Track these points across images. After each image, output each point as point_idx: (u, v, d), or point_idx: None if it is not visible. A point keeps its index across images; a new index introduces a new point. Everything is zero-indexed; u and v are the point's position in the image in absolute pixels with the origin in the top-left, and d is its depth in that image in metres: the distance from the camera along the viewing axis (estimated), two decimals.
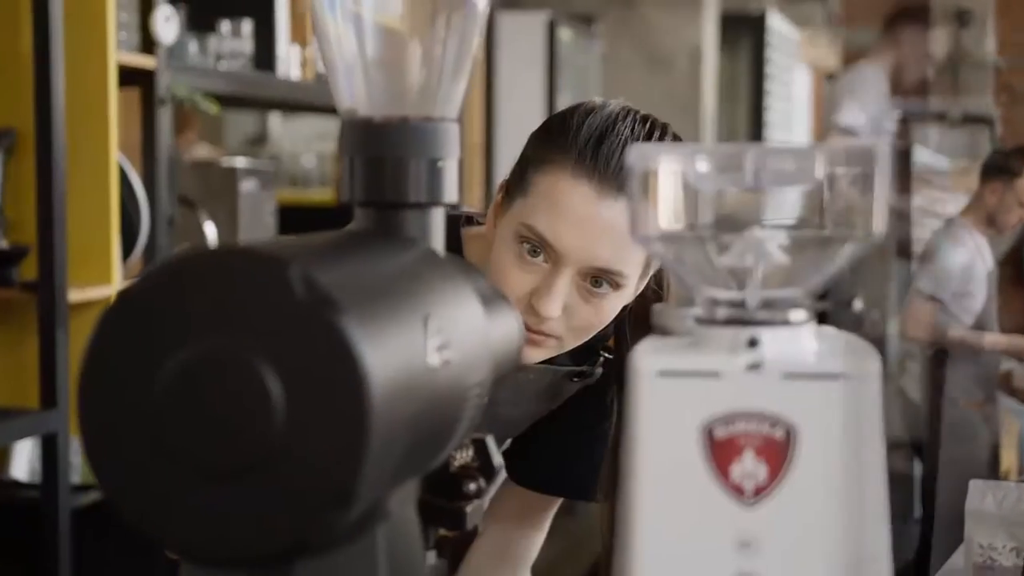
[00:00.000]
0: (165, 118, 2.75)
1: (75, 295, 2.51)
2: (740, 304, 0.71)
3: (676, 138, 1.35)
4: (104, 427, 0.63)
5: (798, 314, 0.70)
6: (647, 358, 0.69)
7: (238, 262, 0.62)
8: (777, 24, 7.95)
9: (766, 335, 0.69)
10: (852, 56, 10.10)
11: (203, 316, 0.61)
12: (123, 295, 0.63)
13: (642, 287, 1.36)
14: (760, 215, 0.72)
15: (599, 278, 1.29)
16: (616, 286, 1.29)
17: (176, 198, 2.99)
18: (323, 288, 0.61)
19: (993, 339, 4.19)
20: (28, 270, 2.49)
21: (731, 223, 0.72)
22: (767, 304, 0.70)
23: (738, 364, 0.68)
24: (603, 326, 1.33)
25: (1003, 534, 1.83)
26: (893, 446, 4.29)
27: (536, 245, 1.28)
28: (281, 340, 0.61)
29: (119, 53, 2.61)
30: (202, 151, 4.50)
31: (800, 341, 0.70)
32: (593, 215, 1.26)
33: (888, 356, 4.58)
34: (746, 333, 0.69)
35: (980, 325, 4.18)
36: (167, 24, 2.69)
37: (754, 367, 0.68)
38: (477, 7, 0.83)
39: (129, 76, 2.71)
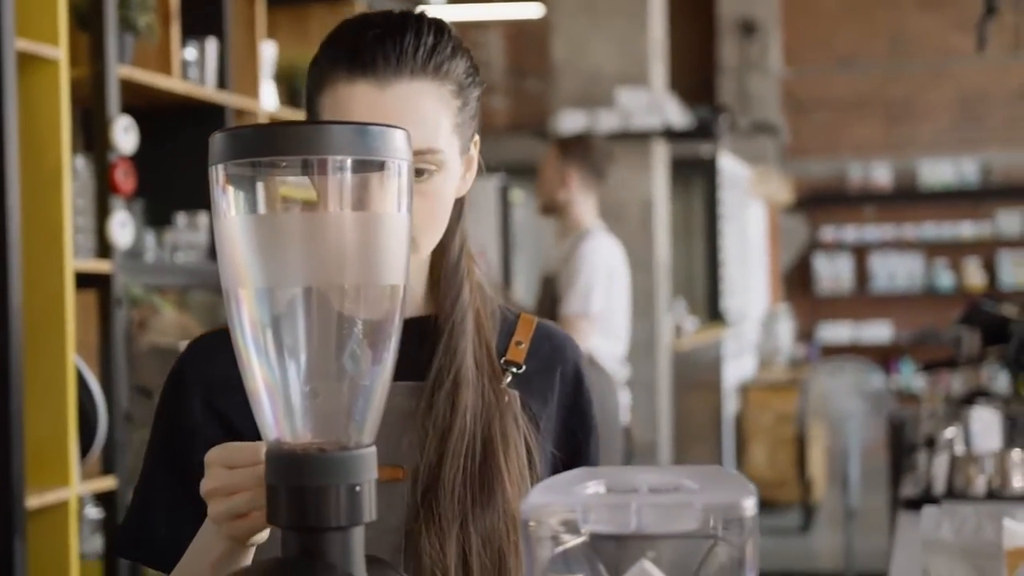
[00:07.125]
0: (121, 318, 2.81)
1: (33, 501, 2.53)
2: None
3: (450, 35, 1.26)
4: None
5: None
6: None
7: None
8: (728, 164, 8.13)
9: None
10: (803, 187, 10.33)
11: None
12: None
13: (472, 171, 1.31)
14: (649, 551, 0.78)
15: (416, 166, 1.20)
16: (438, 166, 1.23)
17: (133, 389, 3.03)
18: None
19: None
20: None
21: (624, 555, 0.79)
22: None
23: None
24: (446, 212, 1.26)
25: (964, 566, 1.67)
26: None
27: None
28: None
29: (76, 260, 2.68)
30: (171, 320, 4.54)
31: None
32: (377, 103, 1.20)
33: None
34: None
35: None
36: (122, 229, 2.77)
37: None
38: (389, 349, 0.91)
39: (86, 279, 2.78)
